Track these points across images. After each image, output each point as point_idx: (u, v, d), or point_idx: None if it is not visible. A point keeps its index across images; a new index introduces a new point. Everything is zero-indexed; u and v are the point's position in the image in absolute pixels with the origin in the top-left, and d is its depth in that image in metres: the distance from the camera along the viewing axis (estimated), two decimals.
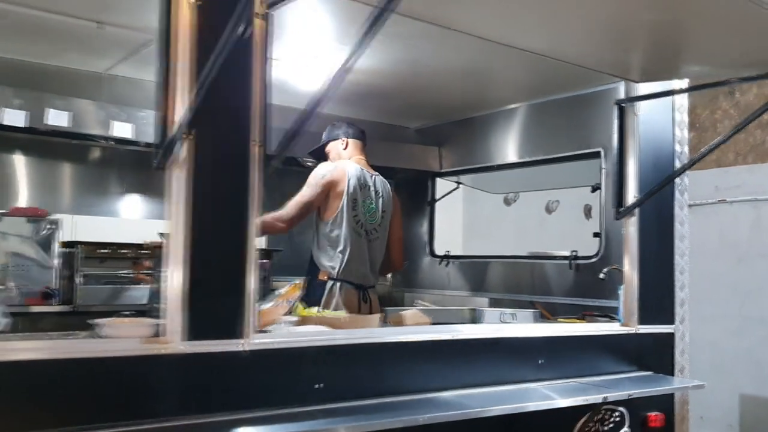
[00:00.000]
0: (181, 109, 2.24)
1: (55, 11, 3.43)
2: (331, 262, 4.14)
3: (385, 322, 3.02)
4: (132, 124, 4.14)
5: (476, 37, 3.22)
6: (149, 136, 4.19)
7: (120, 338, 2.27)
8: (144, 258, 4.10)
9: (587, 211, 7.28)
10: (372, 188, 4.30)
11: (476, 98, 5.01)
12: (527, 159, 4.94)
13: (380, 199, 4.34)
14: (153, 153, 2.26)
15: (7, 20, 3.53)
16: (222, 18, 2.28)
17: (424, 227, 5.76)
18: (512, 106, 5.03)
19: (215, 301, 2.31)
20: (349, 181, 4.13)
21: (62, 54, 4.12)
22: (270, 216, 3.89)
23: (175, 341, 2.22)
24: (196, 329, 2.25)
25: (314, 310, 3.04)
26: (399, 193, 5.83)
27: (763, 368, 7.14)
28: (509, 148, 5.11)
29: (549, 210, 7.63)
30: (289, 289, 2.73)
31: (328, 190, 4.12)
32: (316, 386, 2.49)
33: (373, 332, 2.82)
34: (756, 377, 7.22)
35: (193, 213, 2.26)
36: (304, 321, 2.83)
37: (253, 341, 2.35)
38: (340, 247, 4.12)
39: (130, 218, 5.02)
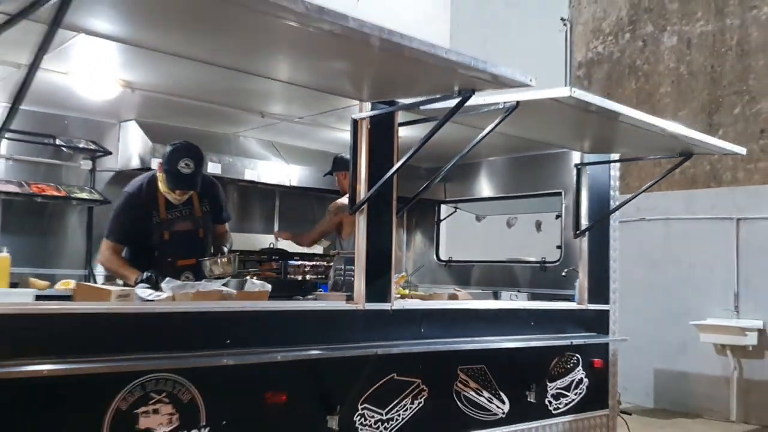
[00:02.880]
0: (363, 182, 4.28)
1: (234, 106, 5.24)
2: None
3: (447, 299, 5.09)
4: (257, 171, 6.12)
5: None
6: (267, 178, 6.20)
7: (329, 301, 4.33)
8: (266, 261, 6.03)
9: (537, 226, 9.48)
10: None
11: (471, 151, 6.92)
12: (511, 194, 6.97)
13: None
14: (349, 206, 4.30)
15: (195, 109, 5.27)
16: (380, 133, 4.36)
17: (432, 240, 7.69)
18: (498, 157, 7.05)
19: (378, 282, 4.29)
20: None
21: (216, 125, 5.91)
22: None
23: (361, 302, 4.20)
24: (370, 296, 4.22)
25: (406, 290, 5.09)
26: (413, 216, 7.86)
27: (670, 349, 9.18)
28: (495, 185, 7.13)
29: (509, 225, 9.66)
30: (400, 278, 4.78)
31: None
32: (422, 330, 4.53)
33: (448, 303, 4.92)
34: (665, 356, 9.28)
35: (367, 237, 4.28)
36: (403, 297, 4.87)
37: (394, 305, 4.38)
38: None
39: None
